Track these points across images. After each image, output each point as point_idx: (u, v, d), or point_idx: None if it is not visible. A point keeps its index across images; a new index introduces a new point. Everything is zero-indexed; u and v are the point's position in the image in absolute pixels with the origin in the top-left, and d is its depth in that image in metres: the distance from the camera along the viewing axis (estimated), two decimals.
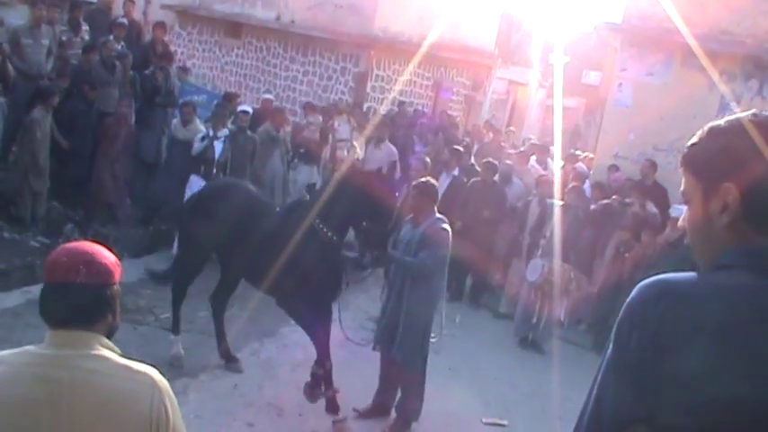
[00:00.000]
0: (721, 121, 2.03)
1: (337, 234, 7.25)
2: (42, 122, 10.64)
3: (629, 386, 1.90)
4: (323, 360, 7.42)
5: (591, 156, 16.16)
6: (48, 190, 11.11)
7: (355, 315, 10.02)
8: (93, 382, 2.52)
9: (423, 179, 7.78)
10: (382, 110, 16.54)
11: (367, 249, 7.52)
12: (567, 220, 10.47)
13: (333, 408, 7.47)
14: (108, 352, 2.60)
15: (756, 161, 1.91)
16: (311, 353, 7.99)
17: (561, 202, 10.71)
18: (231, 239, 7.64)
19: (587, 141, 24.75)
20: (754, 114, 1.98)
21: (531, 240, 11.03)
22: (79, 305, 2.57)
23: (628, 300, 1.98)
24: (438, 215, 7.34)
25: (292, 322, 8.22)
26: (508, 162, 12.96)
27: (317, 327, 7.45)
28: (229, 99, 13.88)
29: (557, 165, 14.02)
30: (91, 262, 2.61)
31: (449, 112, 20.69)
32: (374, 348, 7.67)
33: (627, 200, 11.70)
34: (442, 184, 11.21)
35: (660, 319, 1.86)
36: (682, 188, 2.14)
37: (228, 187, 8.33)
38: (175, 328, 8.22)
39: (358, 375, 8.19)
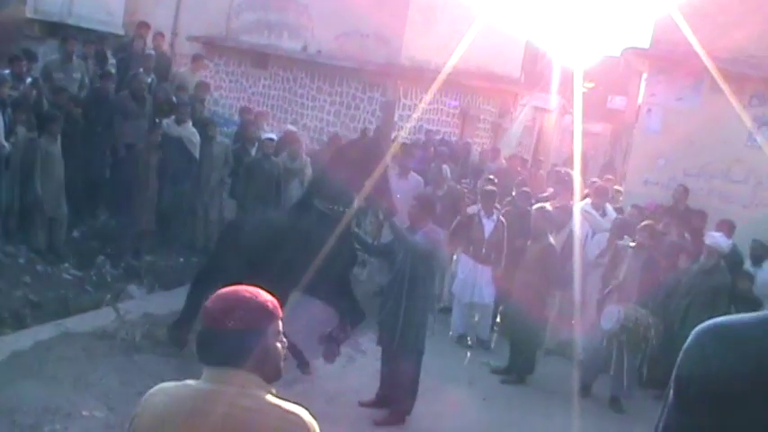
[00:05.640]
0: None
1: (339, 204, 7.93)
2: (48, 149, 10.65)
3: None
4: (345, 326, 8.27)
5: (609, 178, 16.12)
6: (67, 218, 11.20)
7: None
8: (246, 418, 2.61)
9: (423, 194, 8.90)
10: (405, 138, 16.43)
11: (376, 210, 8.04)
12: (641, 261, 9.75)
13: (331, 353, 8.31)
14: (261, 391, 2.69)
15: None
16: (346, 385, 8.09)
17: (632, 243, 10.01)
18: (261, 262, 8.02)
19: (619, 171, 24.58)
20: None
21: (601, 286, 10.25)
22: (228, 349, 2.66)
23: (685, 346, 1.93)
24: (432, 225, 8.07)
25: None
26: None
27: (341, 299, 8.25)
28: (245, 113, 14.86)
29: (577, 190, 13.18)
30: (240, 308, 2.68)
31: (474, 139, 20.70)
32: (378, 343, 8.32)
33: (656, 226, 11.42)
34: (486, 228, 11.06)
35: (718, 369, 1.81)
36: None
37: (258, 221, 9.04)
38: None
39: (364, 369, 8.61)
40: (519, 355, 10.14)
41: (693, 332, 1.92)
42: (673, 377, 1.91)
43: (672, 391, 1.91)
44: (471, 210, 11.71)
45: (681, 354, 1.91)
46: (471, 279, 11.05)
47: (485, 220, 11.05)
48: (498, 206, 11.57)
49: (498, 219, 11.08)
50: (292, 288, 7.90)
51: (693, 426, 1.86)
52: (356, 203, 7.96)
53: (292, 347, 8.80)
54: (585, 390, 9.85)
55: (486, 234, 11.00)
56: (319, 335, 8.43)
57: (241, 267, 7.89)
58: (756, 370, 1.76)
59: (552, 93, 26.15)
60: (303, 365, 8.66)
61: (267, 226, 8.46)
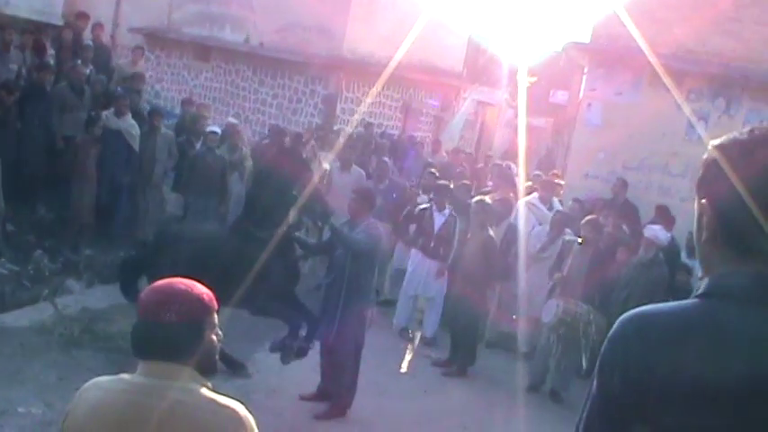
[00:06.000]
0: (723, 137, 1.93)
1: (266, 228, 7.91)
2: None
3: (615, 426, 1.87)
4: (296, 333, 8.18)
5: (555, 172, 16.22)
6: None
7: None
8: (180, 413, 2.57)
9: (363, 187, 9.04)
10: (348, 131, 16.42)
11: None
12: (588, 256, 9.73)
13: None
14: (196, 385, 2.66)
15: (735, 178, 1.82)
16: (286, 378, 8.05)
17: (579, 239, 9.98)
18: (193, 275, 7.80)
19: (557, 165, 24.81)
20: (750, 130, 1.88)
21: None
22: (163, 343, 2.64)
23: (609, 334, 1.93)
24: (372, 219, 8.16)
25: (266, 348, 8.53)
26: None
27: (291, 311, 8.25)
28: (187, 104, 14.88)
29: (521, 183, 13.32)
30: (176, 301, 2.66)
31: (417, 132, 20.75)
32: (316, 337, 8.30)
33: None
34: (437, 222, 10.96)
35: (640, 358, 1.81)
36: None
37: (181, 231, 9.01)
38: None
39: (305, 363, 8.44)
40: (460, 348, 10.18)
41: (618, 321, 1.92)
42: (597, 366, 1.92)
43: (595, 381, 1.92)
44: (421, 201, 11.74)
45: (605, 342, 1.92)
46: (420, 272, 11.04)
47: (436, 215, 11.04)
48: None
49: (450, 213, 11.07)
50: (224, 303, 7.87)
51: (615, 415, 1.86)
52: (291, 217, 7.95)
53: (222, 355, 8.67)
54: (533, 390, 9.86)
55: (437, 228, 10.98)
56: (271, 343, 8.37)
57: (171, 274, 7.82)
58: (677, 359, 1.77)
59: (495, 87, 26.32)
60: (238, 369, 8.61)
61: (205, 240, 8.28)
